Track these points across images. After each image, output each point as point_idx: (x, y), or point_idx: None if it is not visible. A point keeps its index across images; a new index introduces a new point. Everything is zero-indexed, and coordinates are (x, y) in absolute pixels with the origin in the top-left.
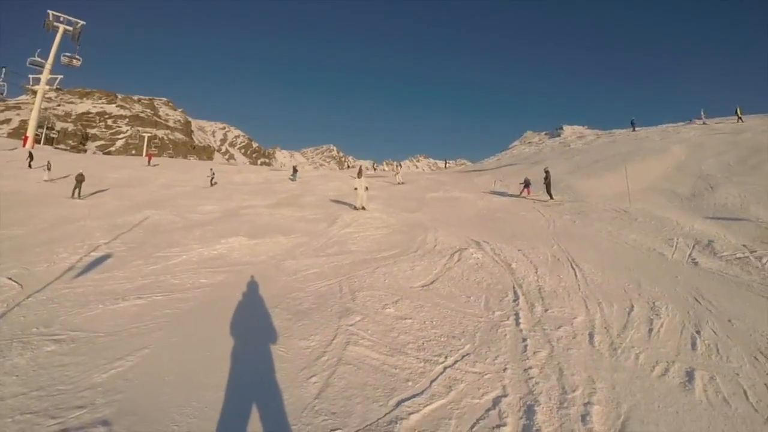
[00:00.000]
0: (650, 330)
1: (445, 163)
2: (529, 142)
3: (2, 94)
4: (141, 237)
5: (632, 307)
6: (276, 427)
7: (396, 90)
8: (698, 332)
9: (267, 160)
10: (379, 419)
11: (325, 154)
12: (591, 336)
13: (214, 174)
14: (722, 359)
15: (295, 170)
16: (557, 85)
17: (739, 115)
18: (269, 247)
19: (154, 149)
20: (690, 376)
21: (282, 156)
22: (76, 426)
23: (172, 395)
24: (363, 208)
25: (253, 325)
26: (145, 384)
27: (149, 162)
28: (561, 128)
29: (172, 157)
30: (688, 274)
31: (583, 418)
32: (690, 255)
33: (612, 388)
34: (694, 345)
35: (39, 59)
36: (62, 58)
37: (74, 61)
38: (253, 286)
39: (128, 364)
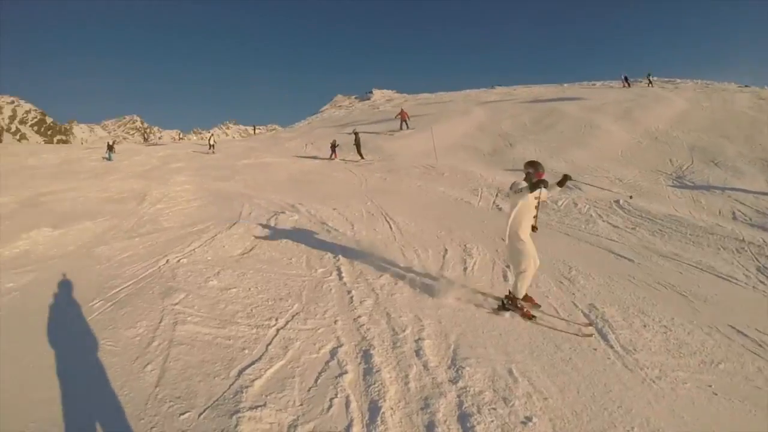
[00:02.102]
0: (465, 269)
1: (254, 129)
2: (340, 106)
3: None
4: None
5: (446, 250)
6: (123, 424)
7: (201, 53)
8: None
9: (64, 137)
10: (224, 392)
11: (128, 125)
12: (411, 280)
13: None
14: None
15: (110, 147)
16: (367, 51)
17: (650, 80)
18: (77, 236)
19: None
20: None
21: (80, 131)
22: None
23: (2, 419)
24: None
25: (74, 324)
26: None
27: None
28: (371, 92)
29: None
30: (493, 218)
31: (417, 353)
32: (494, 202)
33: (438, 322)
34: (505, 277)
35: None
36: None
37: None
38: (66, 281)
39: None
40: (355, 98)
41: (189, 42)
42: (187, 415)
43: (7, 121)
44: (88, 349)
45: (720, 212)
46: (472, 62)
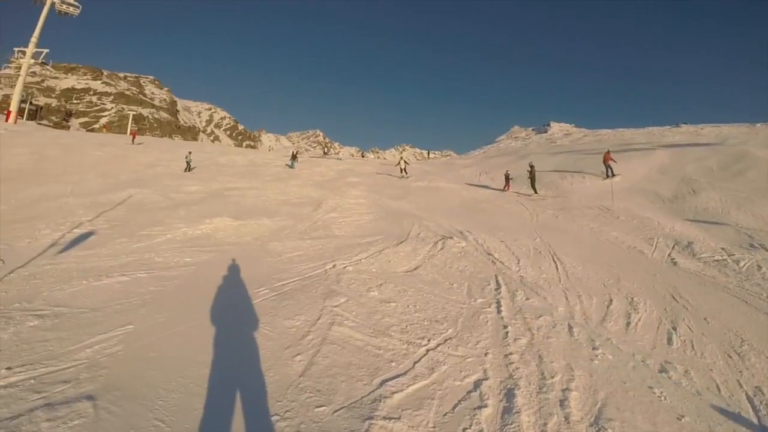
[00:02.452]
0: (628, 323)
1: (428, 153)
2: (516, 137)
3: None
4: (124, 215)
5: (611, 300)
6: (261, 403)
7: (384, 78)
8: (674, 328)
9: (252, 143)
10: (363, 397)
11: (311, 139)
12: (570, 326)
13: (190, 158)
14: (697, 355)
15: (294, 157)
16: (546, 82)
17: None
18: (254, 229)
19: (134, 126)
20: (665, 368)
21: (267, 139)
22: (60, 401)
23: (158, 371)
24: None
25: (238, 303)
26: (129, 360)
27: (133, 140)
28: (548, 125)
29: (156, 134)
30: (666, 272)
31: (562, 402)
32: (669, 255)
33: (590, 376)
34: (669, 340)
35: (24, 49)
36: (57, 5)
37: (71, 8)
38: (237, 266)
39: (112, 340)
40: (532, 130)
41: (370, 66)
42: (322, 408)
43: (203, 123)
44: (246, 328)
45: None
46: (656, 97)
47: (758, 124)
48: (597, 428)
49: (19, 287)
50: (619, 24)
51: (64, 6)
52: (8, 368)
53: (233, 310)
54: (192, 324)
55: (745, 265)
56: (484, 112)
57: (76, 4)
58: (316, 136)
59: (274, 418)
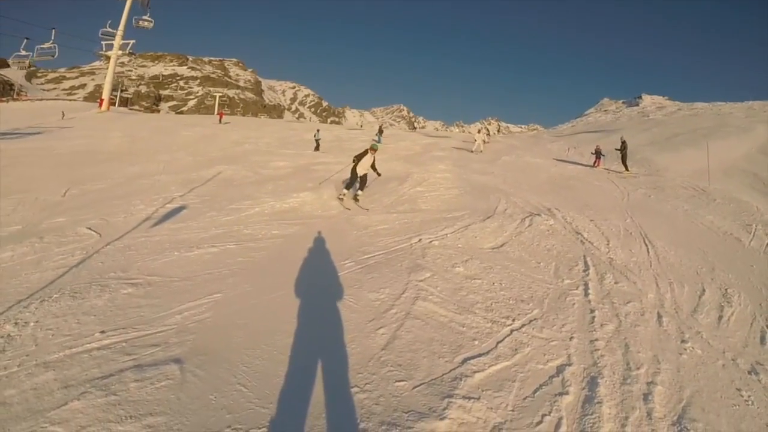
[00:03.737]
0: (720, 317)
1: (487, 132)
2: (606, 110)
3: (53, 57)
4: (214, 190)
5: (704, 290)
6: (342, 374)
7: (470, 50)
8: None
9: (337, 119)
10: (444, 374)
11: (395, 113)
12: (660, 315)
13: (320, 135)
14: None
15: (381, 131)
16: (639, 51)
17: None
18: (339, 203)
19: (226, 110)
20: (755, 370)
21: (352, 115)
22: (150, 362)
23: (243, 338)
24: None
25: (323, 275)
26: (217, 326)
27: (220, 120)
28: (640, 97)
29: (243, 115)
30: (764, 263)
31: (645, 396)
32: None
33: (677, 371)
34: (763, 339)
35: (110, 29)
36: (134, 21)
37: (146, 23)
38: (323, 238)
39: (201, 307)
40: (623, 103)
41: (454, 39)
42: (402, 383)
43: (288, 102)
44: (330, 299)
45: None
46: (758, 68)
47: None
48: (679, 428)
49: (115, 258)
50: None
51: (138, 22)
52: (102, 332)
53: (318, 282)
54: (278, 294)
55: None
56: (573, 84)
57: (150, 19)
58: (400, 111)
59: (353, 390)
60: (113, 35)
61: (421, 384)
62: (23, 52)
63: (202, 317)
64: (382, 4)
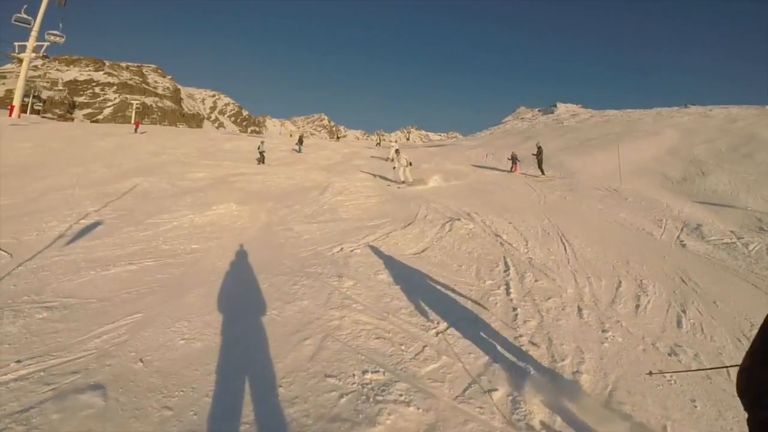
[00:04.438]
0: (637, 306)
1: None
2: (522, 118)
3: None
4: (131, 204)
5: (620, 283)
6: (271, 388)
7: (388, 60)
8: (684, 311)
9: (257, 129)
10: (373, 381)
11: (316, 123)
12: (580, 308)
13: (264, 147)
14: (706, 338)
15: (300, 140)
16: (553, 62)
17: None
18: (260, 214)
19: (145, 119)
20: (675, 352)
21: (272, 124)
22: (70, 390)
23: (166, 361)
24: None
25: (245, 289)
26: (138, 348)
27: (137, 129)
28: (555, 105)
29: (164, 124)
30: (675, 255)
31: (572, 386)
32: (678, 237)
33: (600, 359)
34: (679, 323)
35: (25, 15)
36: (46, 36)
37: (56, 38)
38: (245, 251)
39: (121, 329)
40: (539, 111)
41: (373, 48)
42: (332, 393)
43: (208, 110)
44: (254, 313)
45: None
46: (665, 77)
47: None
48: (608, 411)
49: (28, 280)
50: (626, 3)
51: (51, 37)
52: (18, 361)
53: (241, 296)
54: (199, 311)
55: (754, 248)
56: (490, 93)
57: (61, 34)
58: (321, 120)
59: (284, 404)
60: (28, 22)
61: (351, 392)
62: None
63: (122, 340)
64: (302, 12)
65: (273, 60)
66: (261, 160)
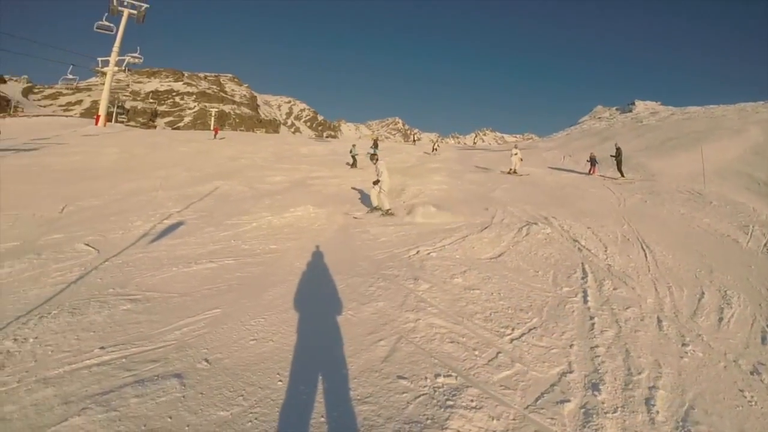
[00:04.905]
0: (720, 319)
1: (474, 140)
2: (599, 117)
3: (75, 84)
4: (211, 206)
5: (703, 293)
6: (344, 386)
7: (463, 61)
8: None
9: (332, 133)
10: (445, 385)
11: (390, 126)
12: (659, 320)
13: (356, 151)
14: None
15: (375, 144)
16: (631, 59)
17: None
18: (337, 216)
19: (226, 126)
20: (758, 370)
21: (347, 129)
22: (150, 378)
23: (242, 353)
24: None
25: (322, 289)
26: (216, 342)
27: (215, 135)
28: (633, 104)
29: (241, 130)
30: (763, 264)
31: (647, 401)
32: (766, 244)
33: (678, 374)
34: (764, 339)
35: (106, 23)
36: (126, 58)
37: (136, 59)
38: (321, 252)
39: (200, 323)
40: (616, 110)
41: (449, 50)
42: (404, 395)
43: (284, 116)
44: (330, 313)
45: None
46: (749, 69)
47: None
48: (683, 430)
49: (113, 274)
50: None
51: (130, 58)
52: (102, 348)
53: (317, 295)
54: (277, 308)
55: None
56: (567, 92)
57: (140, 56)
58: (395, 123)
59: (355, 402)
60: (109, 29)
61: (422, 395)
62: (70, 76)
63: (201, 333)
64: (375, 14)
65: (346, 64)
66: (353, 164)
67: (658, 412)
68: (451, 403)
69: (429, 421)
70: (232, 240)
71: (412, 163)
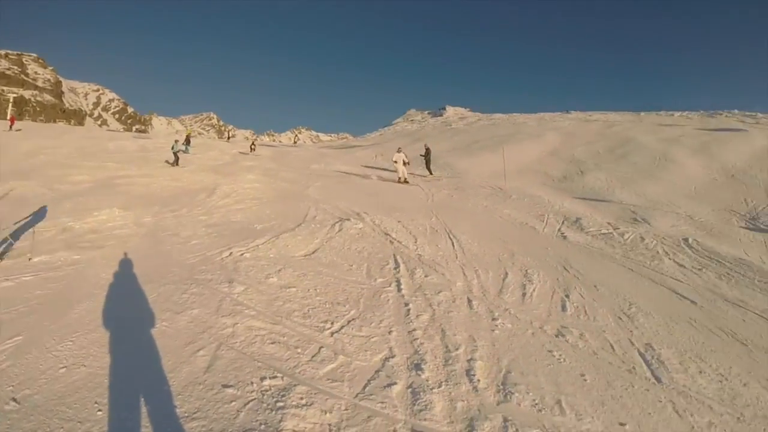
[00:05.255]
0: (524, 294)
1: (295, 138)
2: (412, 120)
3: None
4: (7, 211)
5: (507, 274)
6: (169, 405)
7: (279, 58)
8: (567, 296)
9: (143, 127)
10: (272, 387)
11: (204, 122)
12: (469, 300)
13: (179, 147)
14: (590, 319)
15: (188, 140)
16: (444, 68)
17: None
18: (146, 219)
19: (26, 115)
20: (561, 333)
21: (159, 123)
22: None
23: (55, 385)
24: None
25: (133, 300)
26: (22, 375)
27: (11, 126)
28: (444, 108)
29: (41, 120)
30: (557, 246)
31: (468, 372)
32: (559, 230)
33: (492, 345)
34: (564, 307)
35: None
36: None
37: None
38: (130, 260)
39: (1, 355)
40: (428, 113)
41: (265, 47)
42: (233, 404)
43: (91, 106)
44: (143, 327)
45: None
46: (550, 84)
47: (642, 113)
48: (504, 393)
49: None
50: (515, 19)
51: None
52: None
53: (128, 309)
54: (85, 328)
55: (629, 237)
56: (382, 95)
57: None
58: (210, 119)
59: (183, 421)
60: None
61: (251, 401)
62: None
63: (3, 367)
64: (194, 4)
65: (161, 53)
66: (175, 161)
67: (479, 380)
68: (281, 404)
69: (263, 426)
70: (28, 252)
71: (225, 161)
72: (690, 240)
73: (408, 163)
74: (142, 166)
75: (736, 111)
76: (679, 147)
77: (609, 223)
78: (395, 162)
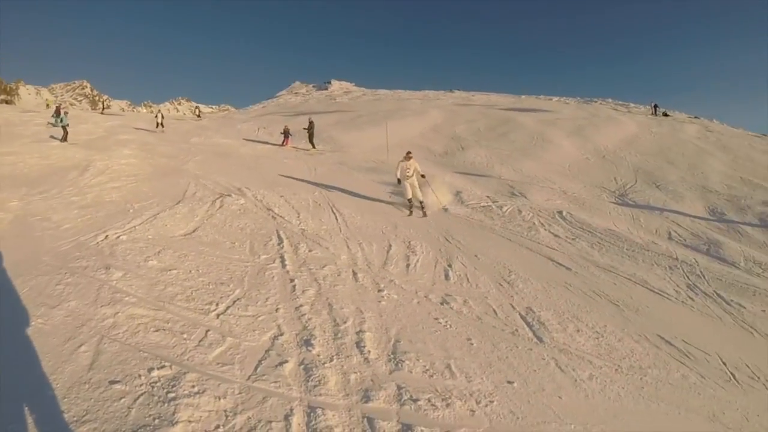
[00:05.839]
0: (408, 265)
1: (198, 110)
2: (297, 93)
3: None
4: None
5: (390, 246)
6: (55, 410)
7: (161, 26)
8: (450, 265)
9: (8, 98)
10: (161, 378)
11: (77, 91)
12: (354, 273)
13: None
14: (472, 286)
15: (58, 112)
16: (330, 41)
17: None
18: (13, 203)
19: None
20: (446, 301)
21: (26, 92)
22: None
23: None
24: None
25: (3, 298)
26: None
27: None
28: (329, 82)
29: None
30: (439, 218)
31: (358, 344)
32: (440, 202)
33: (379, 316)
34: (447, 276)
35: None
36: None
37: None
38: None
39: None
40: (313, 87)
41: (143, 11)
42: (122, 400)
43: None
44: (16, 327)
45: (657, 231)
46: (434, 62)
47: (523, 96)
48: (395, 362)
49: None
50: None
51: None
52: None
53: None
54: None
55: (507, 210)
56: (266, 67)
57: None
58: (83, 88)
59: (73, 426)
60: None
61: (141, 395)
62: None
63: None
64: None
65: (28, 15)
66: (64, 137)
67: (369, 351)
68: (172, 395)
69: (157, 421)
70: None
71: (99, 135)
72: (564, 213)
73: (424, 176)
74: (6, 143)
75: (610, 99)
76: (556, 129)
77: (488, 197)
78: (406, 175)
